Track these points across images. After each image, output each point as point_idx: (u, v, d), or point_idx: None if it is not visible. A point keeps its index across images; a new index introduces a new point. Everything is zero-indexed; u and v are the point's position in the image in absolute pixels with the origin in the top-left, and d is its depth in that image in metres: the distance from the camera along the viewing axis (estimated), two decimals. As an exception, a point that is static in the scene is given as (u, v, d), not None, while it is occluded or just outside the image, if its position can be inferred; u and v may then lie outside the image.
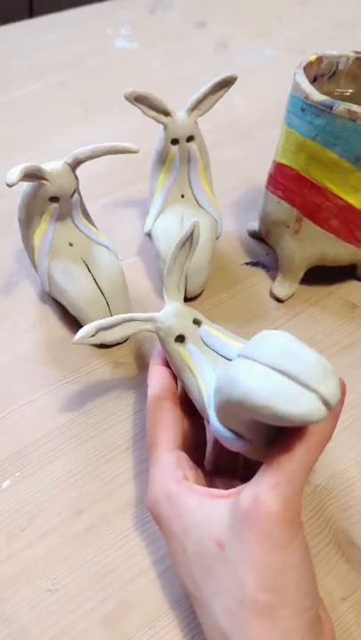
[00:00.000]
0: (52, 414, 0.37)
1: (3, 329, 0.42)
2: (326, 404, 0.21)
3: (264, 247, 0.48)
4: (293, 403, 0.21)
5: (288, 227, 0.42)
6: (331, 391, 0.21)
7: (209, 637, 0.25)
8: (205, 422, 0.32)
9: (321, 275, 0.45)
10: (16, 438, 0.36)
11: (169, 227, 0.43)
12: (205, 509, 0.25)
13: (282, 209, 0.42)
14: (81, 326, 0.40)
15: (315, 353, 0.23)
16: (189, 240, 0.31)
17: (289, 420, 0.21)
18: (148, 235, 0.44)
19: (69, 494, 0.33)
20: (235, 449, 0.26)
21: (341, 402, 0.25)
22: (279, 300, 0.44)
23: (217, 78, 0.40)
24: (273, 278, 0.46)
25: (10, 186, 0.33)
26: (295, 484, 0.23)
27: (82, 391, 0.38)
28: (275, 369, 0.22)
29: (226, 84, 0.41)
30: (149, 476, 0.29)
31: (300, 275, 0.44)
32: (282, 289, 0.44)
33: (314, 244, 0.41)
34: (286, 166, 0.40)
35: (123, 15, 0.80)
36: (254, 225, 0.49)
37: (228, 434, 0.26)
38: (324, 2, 0.85)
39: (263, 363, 0.23)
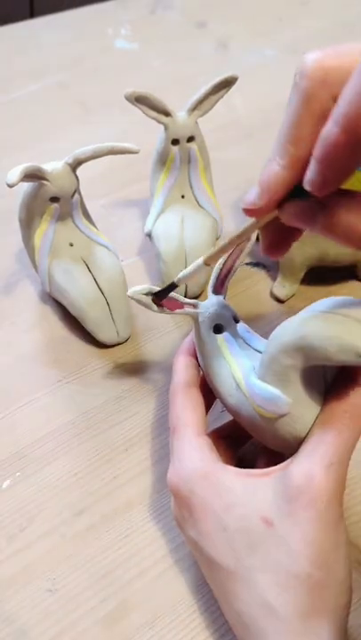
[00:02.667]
0: (53, 414, 0.37)
1: (3, 329, 0.42)
2: None
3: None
4: (356, 336, 0.22)
5: (288, 227, 0.42)
6: None
7: (247, 612, 0.24)
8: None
9: (321, 275, 0.45)
10: (16, 438, 0.36)
11: (169, 227, 0.43)
12: (246, 487, 0.26)
13: (282, 209, 0.42)
14: (81, 327, 0.40)
15: None
16: (245, 238, 0.31)
17: (356, 351, 0.22)
18: (149, 235, 0.44)
19: (70, 494, 0.33)
20: (276, 411, 0.26)
21: None
22: (280, 301, 0.44)
23: (217, 79, 0.40)
24: (273, 279, 0.46)
25: (10, 186, 0.33)
26: (346, 466, 0.24)
27: (82, 391, 0.38)
28: (337, 313, 0.24)
29: (226, 84, 0.41)
30: (174, 457, 0.29)
31: (301, 275, 0.44)
32: (282, 289, 0.44)
33: (314, 244, 0.41)
34: (287, 166, 0.40)
35: (123, 15, 0.80)
36: (254, 225, 0.48)
37: (273, 391, 0.26)
38: (325, 2, 0.85)
39: (323, 310, 0.24)
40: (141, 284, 0.30)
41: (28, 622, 0.29)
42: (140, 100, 0.39)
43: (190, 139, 0.42)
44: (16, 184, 0.33)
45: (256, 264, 0.47)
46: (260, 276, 0.46)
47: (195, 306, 0.31)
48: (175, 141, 0.42)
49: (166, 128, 0.41)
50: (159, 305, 0.30)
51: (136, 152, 0.36)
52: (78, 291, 0.39)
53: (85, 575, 0.30)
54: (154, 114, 0.40)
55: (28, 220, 0.39)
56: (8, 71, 0.70)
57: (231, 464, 0.32)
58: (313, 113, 0.20)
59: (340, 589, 0.24)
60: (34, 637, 0.28)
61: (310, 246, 0.41)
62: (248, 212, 0.22)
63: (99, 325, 0.39)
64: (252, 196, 0.22)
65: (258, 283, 0.46)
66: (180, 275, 0.29)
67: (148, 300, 0.30)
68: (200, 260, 0.27)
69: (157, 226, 0.44)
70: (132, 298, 0.30)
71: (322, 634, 0.23)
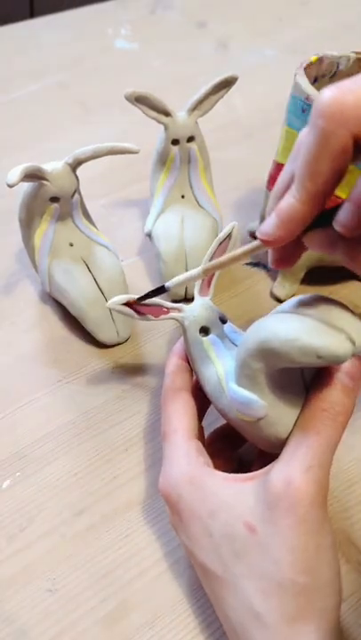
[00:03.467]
0: (53, 414, 0.37)
1: (3, 329, 0.42)
2: (353, 343, 0.22)
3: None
4: (320, 335, 0.22)
5: (288, 227, 0.42)
6: (358, 333, 0.22)
7: (234, 617, 0.24)
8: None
9: (321, 275, 0.45)
10: (16, 438, 0.36)
11: (169, 227, 0.43)
12: (231, 492, 0.26)
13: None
14: (81, 327, 0.40)
15: (342, 303, 0.23)
16: (227, 239, 0.32)
17: (315, 353, 0.22)
18: (149, 235, 0.44)
19: (70, 494, 0.33)
20: (252, 414, 0.26)
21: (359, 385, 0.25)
22: (280, 301, 0.44)
23: (217, 79, 0.40)
24: (273, 279, 0.46)
25: (10, 186, 0.33)
26: (326, 466, 0.24)
27: (82, 391, 0.38)
28: (299, 313, 0.23)
29: (226, 84, 0.41)
30: (165, 462, 0.29)
31: (301, 275, 0.44)
32: (282, 289, 0.44)
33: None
34: (287, 166, 0.40)
35: (123, 15, 0.80)
36: (254, 225, 0.49)
37: (246, 395, 0.25)
38: (325, 2, 0.85)
39: (287, 311, 0.24)
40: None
41: (28, 622, 0.29)
42: (139, 100, 0.39)
43: (190, 139, 0.42)
44: (16, 184, 0.33)
45: (256, 264, 0.47)
46: (260, 275, 0.46)
47: (180, 310, 0.31)
48: (175, 141, 0.42)
49: (166, 128, 0.41)
50: (140, 313, 0.30)
51: (136, 152, 0.36)
52: (78, 291, 0.39)
53: (85, 575, 0.30)
54: (154, 114, 0.40)
55: (28, 220, 0.39)
56: (8, 71, 0.70)
57: (230, 465, 0.32)
58: (331, 151, 0.20)
59: (327, 592, 0.23)
60: (34, 637, 0.28)
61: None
62: (265, 242, 0.23)
63: (99, 325, 0.39)
64: (269, 227, 0.22)
65: (258, 283, 0.46)
66: (173, 280, 0.29)
67: (129, 310, 0.30)
68: (198, 270, 0.27)
69: (157, 226, 0.44)
70: (113, 309, 0.30)
71: (310, 637, 0.23)
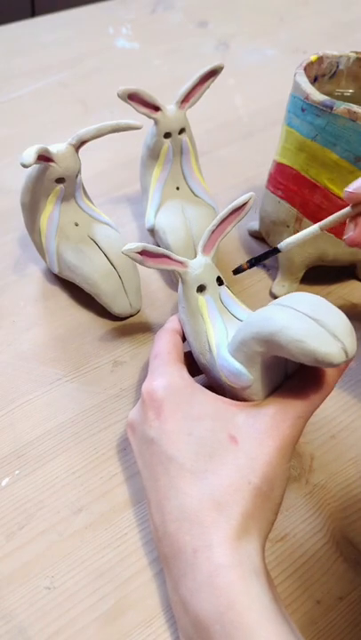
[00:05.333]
0: (52, 413, 0.37)
1: (3, 327, 0.42)
2: (346, 354, 0.25)
3: (264, 247, 0.48)
4: (323, 344, 0.25)
5: (288, 227, 0.42)
6: (352, 346, 0.25)
7: (190, 505, 0.27)
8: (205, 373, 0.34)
9: (321, 275, 0.45)
10: (15, 436, 0.36)
11: (172, 219, 0.43)
12: (219, 407, 0.29)
13: (282, 209, 0.42)
14: (81, 325, 0.40)
15: (343, 313, 0.26)
16: (242, 208, 0.33)
17: (314, 357, 0.25)
18: (151, 230, 0.44)
19: (68, 492, 0.33)
20: (239, 384, 0.29)
21: (346, 367, 0.29)
22: (279, 300, 0.44)
23: (203, 69, 0.41)
24: (273, 278, 0.46)
25: (25, 166, 0.34)
26: (306, 421, 0.29)
27: (81, 390, 0.38)
28: (309, 316, 0.26)
29: (213, 73, 0.42)
30: (155, 373, 0.31)
31: (300, 274, 0.44)
32: (282, 289, 0.44)
33: (314, 244, 0.41)
34: (286, 166, 0.40)
35: (124, 15, 0.80)
36: (254, 225, 0.49)
37: (239, 367, 0.29)
38: (325, 2, 0.85)
39: (298, 310, 0.26)
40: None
41: (26, 620, 0.29)
42: (131, 98, 0.40)
43: (182, 131, 0.43)
44: (32, 164, 0.34)
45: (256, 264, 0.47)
46: (260, 275, 0.47)
47: (184, 265, 0.32)
48: (167, 134, 0.42)
49: (157, 123, 0.42)
50: (149, 260, 0.32)
51: (139, 127, 0.38)
52: (91, 267, 0.40)
53: (83, 573, 0.31)
54: (144, 110, 0.41)
55: (33, 204, 0.40)
56: (8, 70, 0.70)
57: None
58: None
59: (274, 507, 0.28)
60: (32, 635, 0.29)
61: (310, 246, 0.41)
62: (350, 195, 0.27)
63: (113, 298, 0.41)
64: (358, 183, 0.27)
65: (258, 282, 0.46)
66: (287, 240, 0.31)
67: (140, 257, 0.31)
68: (316, 227, 0.30)
69: (159, 220, 0.44)
70: (127, 254, 0.31)
71: (253, 537, 0.26)
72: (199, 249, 0.33)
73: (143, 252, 0.31)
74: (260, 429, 0.28)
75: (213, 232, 0.33)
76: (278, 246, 0.31)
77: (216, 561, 0.25)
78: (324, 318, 0.26)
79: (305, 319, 0.26)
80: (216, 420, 0.29)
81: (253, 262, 0.33)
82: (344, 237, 0.31)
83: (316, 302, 0.27)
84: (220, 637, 0.24)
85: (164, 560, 0.28)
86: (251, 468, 0.27)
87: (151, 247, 0.31)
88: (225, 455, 0.28)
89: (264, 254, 0.32)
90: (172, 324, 0.35)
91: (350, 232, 0.31)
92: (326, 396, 0.29)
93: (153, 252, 0.31)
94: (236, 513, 0.26)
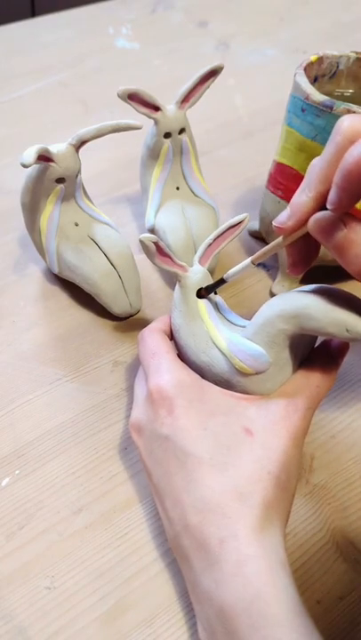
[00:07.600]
0: (52, 413, 0.37)
1: (3, 327, 0.42)
2: None
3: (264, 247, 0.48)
4: (352, 314, 0.26)
5: (288, 226, 0.42)
6: None
7: (211, 496, 0.27)
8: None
9: (321, 274, 0.45)
10: (15, 436, 0.36)
11: (172, 219, 0.43)
12: (230, 402, 0.30)
13: (282, 209, 0.41)
14: (81, 325, 0.40)
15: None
16: (238, 225, 0.34)
17: (345, 326, 0.26)
18: (151, 230, 0.44)
19: (68, 492, 0.33)
20: (256, 367, 0.30)
21: (340, 361, 0.32)
22: (279, 300, 0.44)
23: (203, 69, 0.41)
24: (273, 278, 0.46)
25: (26, 166, 0.34)
26: (313, 412, 0.30)
27: (81, 390, 0.38)
28: (339, 296, 0.28)
29: (213, 73, 0.41)
30: (158, 371, 0.31)
31: (300, 274, 0.44)
32: (282, 288, 0.44)
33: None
34: (286, 166, 0.40)
35: (124, 14, 0.80)
36: (254, 225, 0.49)
37: (258, 349, 0.29)
38: (325, 2, 0.85)
39: (327, 289, 0.28)
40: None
41: (26, 620, 0.29)
42: (131, 98, 0.40)
43: (182, 130, 0.43)
44: (32, 164, 0.34)
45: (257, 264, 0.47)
46: (260, 275, 0.47)
47: (185, 269, 0.33)
48: (167, 134, 0.42)
49: (157, 123, 0.42)
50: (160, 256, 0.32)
51: (139, 127, 0.38)
52: (91, 267, 0.40)
53: (84, 573, 0.31)
54: (144, 110, 0.41)
55: (33, 204, 0.40)
56: (9, 70, 0.70)
57: None
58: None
59: (291, 498, 0.29)
60: (32, 635, 0.29)
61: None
62: (278, 229, 0.27)
63: (113, 298, 0.41)
64: (283, 217, 0.27)
65: (258, 282, 0.46)
66: (230, 272, 0.32)
67: (154, 247, 0.31)
68: (248, 261, 0.31)
69: (159, 219, 0.44)
70: (144, 241, 0.31)
71: (276, 529, 0.27)
72: (196, 259, 0.34)
73: (156, 245, 0.32)
74: (273, 420, 0.29)
75: (210, 246, 0.34)
76: (224, 277, 0.32)
77: (244, 551, 0.26)
78: (355, 301, 0.27)
79: (336, 296, 0.27)
80: (229, 414, 0.30)
81: (204, 294, 0.34)
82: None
83: (324, 287, 0.29)
84: (246, 628, 0.24)
85: (184, 554, 0.28)
86: (268, 458, 0.28)
87: (162, 244, 0.32)
88: (241, 447, 0.28)
89: (213, 285, 0.33)
90: (160, 324, 0.35)
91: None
92: (330, 388, 0.31)
93: (162, 250, 0.32)
94: (259, 503, 0.27)
